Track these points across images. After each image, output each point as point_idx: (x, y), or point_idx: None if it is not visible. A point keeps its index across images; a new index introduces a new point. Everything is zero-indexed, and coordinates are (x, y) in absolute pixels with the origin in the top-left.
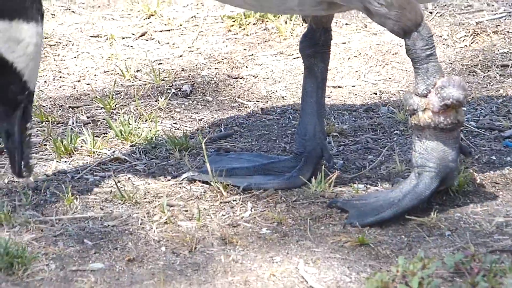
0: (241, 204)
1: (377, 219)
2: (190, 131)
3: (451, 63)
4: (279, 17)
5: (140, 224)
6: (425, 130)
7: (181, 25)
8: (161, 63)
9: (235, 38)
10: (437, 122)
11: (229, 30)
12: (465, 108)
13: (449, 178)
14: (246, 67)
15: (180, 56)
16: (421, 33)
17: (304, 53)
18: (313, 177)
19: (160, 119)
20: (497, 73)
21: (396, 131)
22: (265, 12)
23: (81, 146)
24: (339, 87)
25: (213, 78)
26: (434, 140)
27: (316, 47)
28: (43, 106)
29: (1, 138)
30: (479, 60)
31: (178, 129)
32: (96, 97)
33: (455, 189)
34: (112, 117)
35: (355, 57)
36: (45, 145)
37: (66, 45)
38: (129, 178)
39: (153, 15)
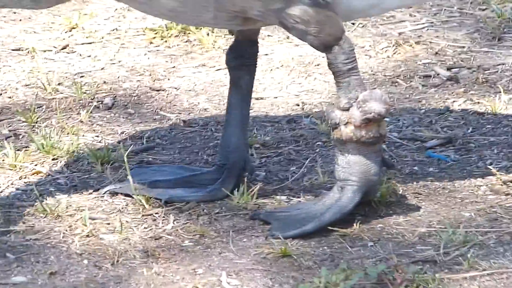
0: (164, 217)
1: (299, 232)
2: (112, 144)
3: (374, 74)
4: (201, 29)
5: (62, 238)
6: (347, 144)
7: (102, 37)
8: (82, 76)
9: (157, 50)
10: (359, 136)
11: (151, 43)
12: (387, 119)
13: (372, 191)
14: (168, 79)
15: (102, 68)
16: (342, 47)
17: (230, 65)
18: (236, 189)
19: (82, 132)
20: (419, 83)
21: (318, 143)
22: (183, 23)
23: (3, 160)
24: (261, 98)
25: (135, 90)
26: (356, 154)
27: (242, 59)
28: None
29: None
30: (402, 70)
31: (100, 142)
32: (18, 111)
33: (377, 200)
34: (34, 130)
35: (278, 68)
36: None
37: None
38: (51, 191)
39: (74, 28)
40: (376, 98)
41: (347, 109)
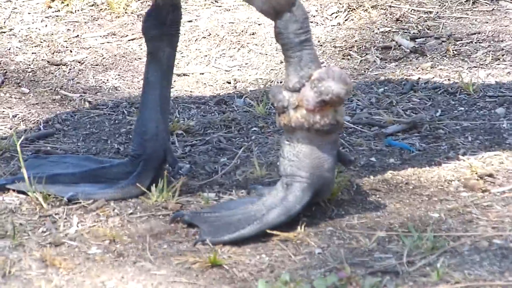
0: (65, 219)
1: (236, 236)
2: (2, 130)
3: (321, 45)
4: None
5: None
6: (296, 132)
7: None
8: None
9: (57, 16)
10: (311, 122)
11: (49, 7)
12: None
13: (324, 191)
14: (70, 51)
15: None
16: (294, 14)
17: (148, 35)
18: (154, 184)
19: None
20: (377, 56)
21: (254, 128)
22: None
23: None
24: (184, 75)
25: (30, 65)
26: (307, 144)
27: (162, 27)
28: None
29: None
30: (355, 41)
31: None
32: None
33: (326, 198)
34: None
35: (204, 38)
36: None
37: None
38: None
39: None
40: (334, 77)
41: (298, 90)
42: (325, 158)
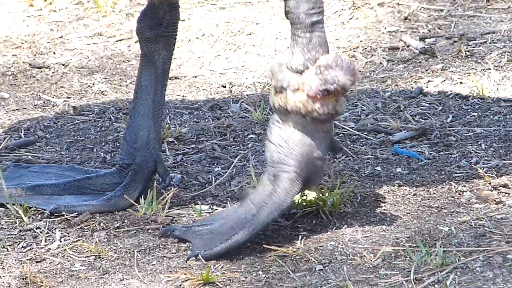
0: (47, 233)
1: (230, 245)
2: None
3: None
4: None
5: None
6: (290, 116)
7: None
8: None
9: (39, 15)
10: (310, 109)
11: (31, 5)
12: None
13: (315, 178)
14: (54, 53)
15: None
16: None
17: (142, 36)
18: (142, 196)
19: None
20: (383, 57)
21: (251, 135)
22: None
23: None
24: (176, 78)
25: (9, 68)
26: (300, 130)
27: (158, 28)
28: None
29: None
30: (360, 41)
31: None
32: None
33: (328, 210)
34: None
35: (198, 38)
36: None
37: None
38: None
39: None
40: (342, 66)
41: (301, 72)
42: (316, 145)
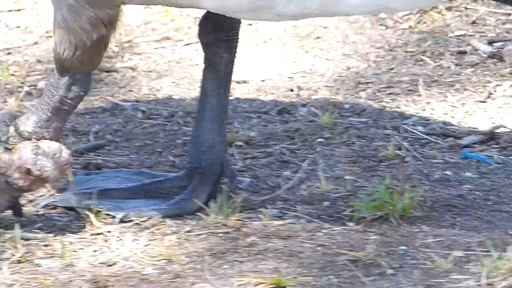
0: (118, 237)
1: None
2: None
3: (391, 50)
4: None
5: None
6: None
7: (36, 3)
8: (9, 53)
9: None
10: (8, 173)
11: None
12: (404, 109)
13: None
14: (122, 57)
15: (35, 43)
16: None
17: (204, 40)
18: (212, 200)
19: None
20: (451, 61)
21: (319, 139)
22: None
23: None
24: (244, 82)
25: None
26: None
27: (219, 32)
28: None
29: None
30: (428, 45)
31: None
32: None
33: (398, 214)
34: None
35: (265, 42)
36: None
37: None
38: None
39: None
40: (57, 162)
41: (28, 139)
42: None
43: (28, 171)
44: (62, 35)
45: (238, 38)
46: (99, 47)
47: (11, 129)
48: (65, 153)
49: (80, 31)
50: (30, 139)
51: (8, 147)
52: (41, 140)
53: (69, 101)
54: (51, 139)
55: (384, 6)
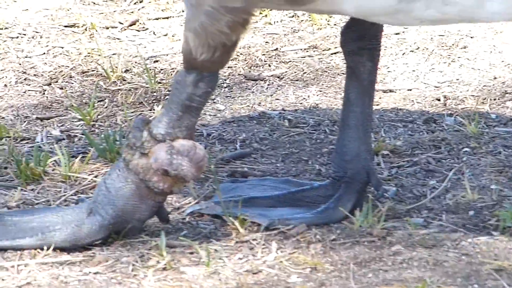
0: (264, 245)
1: (10, 245)
2: None
3: None
4: None
5: (132, 271)
6: (131, 172)
7: (183, 11)
8: (157, 61)
9: (255, 27)
10: (147, 178)
11: None
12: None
13: (125, 233)
14: (269, 65)
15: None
16: None
17: (346, 48)
18: (358, 208)
19: None
20: None
21: (465, 149)
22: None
23: (53, 170)
24: (390, 91)
25: (225, 80)
26: (132, 188)
27: (362, 41)
28: (3, 118)
29: None
30: None
31: None
32: (72, 105)
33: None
34: (93, 131)
35: (412, 52)
36: (5, 168)
37: (33, 37)
38: None
39: None
40: (192, 159)
41: (158, 140)
42: (141, 209)
43: (166, 172)
44: (200, 39)
45: (380, 47)
46: (233, 48)
47: (145, 133)
48: (200, 150)
49: (219, 34)
50: (165, 141)
51: (144, 152)
52: (175, 140)
53: (198, 98)
54: (184, 138)
55: None
